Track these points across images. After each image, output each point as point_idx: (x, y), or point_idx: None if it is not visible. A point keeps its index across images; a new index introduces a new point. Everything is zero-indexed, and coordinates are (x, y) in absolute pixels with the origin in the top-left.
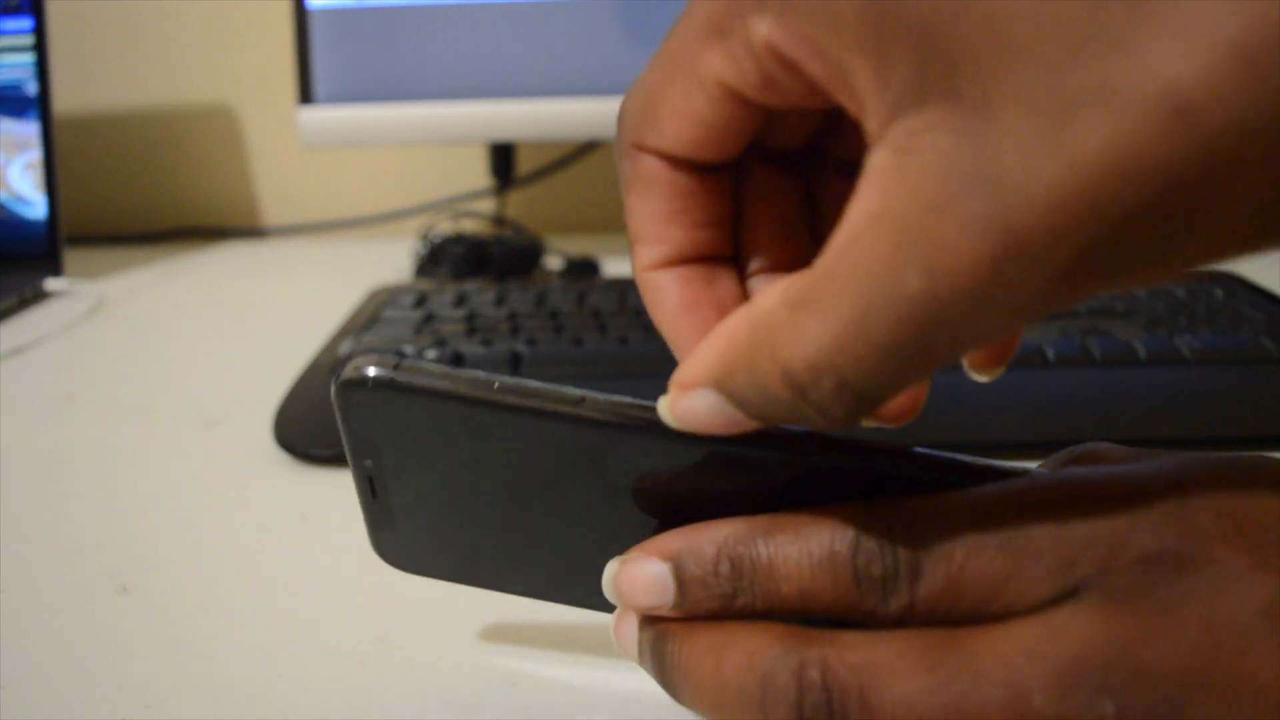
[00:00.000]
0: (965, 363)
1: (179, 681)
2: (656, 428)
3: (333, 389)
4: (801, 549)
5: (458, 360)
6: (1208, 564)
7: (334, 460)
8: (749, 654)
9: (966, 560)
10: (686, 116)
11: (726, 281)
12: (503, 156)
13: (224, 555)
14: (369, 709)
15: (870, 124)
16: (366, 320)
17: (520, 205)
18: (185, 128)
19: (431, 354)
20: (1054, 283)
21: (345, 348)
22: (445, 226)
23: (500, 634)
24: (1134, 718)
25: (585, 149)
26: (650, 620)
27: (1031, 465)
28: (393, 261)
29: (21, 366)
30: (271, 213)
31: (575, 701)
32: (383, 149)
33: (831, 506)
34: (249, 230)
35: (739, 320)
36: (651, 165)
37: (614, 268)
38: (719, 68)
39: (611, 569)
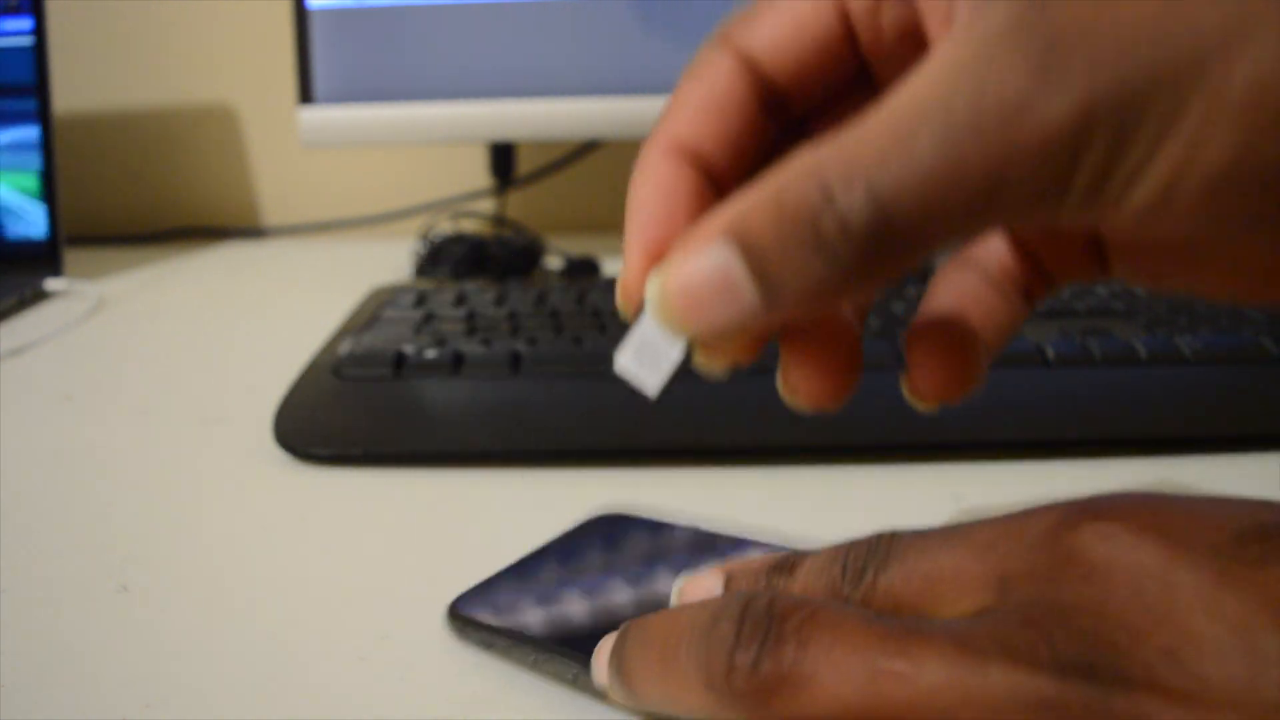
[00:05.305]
0: (907, 386)
1: (179, 681)
2: None
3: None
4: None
5: (458, 360)
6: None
7: (334, 460)
8: (705, 603)
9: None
10: (788, 14)
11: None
12: (503, 156)
13: (224, 555)
14: (369, 709)
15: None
16: (366, 320)
17: (520, 205)
18: (185, 128)
19: (431, 353)
20: (1075, 118)
21: (345, 348)
22: (445, 226)
23: None
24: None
25: (585, 149)
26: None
27: (1031, 465)
28: (393, 261)
29: (21, 366)
30: (271, 213)
31: (575, 701)
32: (383, 149)
33: None
34: (249, 230)
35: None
36: (724, 62)
37: (614, 267)
38: None
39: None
